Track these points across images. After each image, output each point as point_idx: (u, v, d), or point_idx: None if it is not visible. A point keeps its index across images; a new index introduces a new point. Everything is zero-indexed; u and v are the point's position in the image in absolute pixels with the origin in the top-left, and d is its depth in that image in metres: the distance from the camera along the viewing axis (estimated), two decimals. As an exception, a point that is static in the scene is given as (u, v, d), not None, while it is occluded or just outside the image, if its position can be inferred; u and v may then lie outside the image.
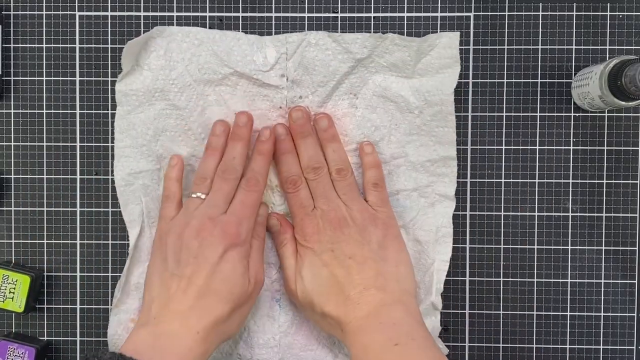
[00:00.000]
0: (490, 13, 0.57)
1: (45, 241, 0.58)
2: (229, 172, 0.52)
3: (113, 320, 0.56)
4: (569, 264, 0.58)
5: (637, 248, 0.57)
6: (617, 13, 0.57)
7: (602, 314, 0.57)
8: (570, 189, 0.57)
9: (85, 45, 0.57)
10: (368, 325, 0.49)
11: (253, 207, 0.52)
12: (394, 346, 0.47)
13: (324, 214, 0.53)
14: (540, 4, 0.57)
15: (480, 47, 0.57)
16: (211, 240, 0.50)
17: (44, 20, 0.57)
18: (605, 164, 0.57)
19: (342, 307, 0.50)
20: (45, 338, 0.58)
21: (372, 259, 0.51)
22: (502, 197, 0.57)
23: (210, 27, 0.57)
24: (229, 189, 0.52)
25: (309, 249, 0.52)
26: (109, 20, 0.57)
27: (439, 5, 0.57)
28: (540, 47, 0.57)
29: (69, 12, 0.57)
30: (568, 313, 0.58)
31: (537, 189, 0.57)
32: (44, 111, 0.58)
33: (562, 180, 0.57)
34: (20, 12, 0.57)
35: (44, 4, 0.57)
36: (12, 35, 0.57)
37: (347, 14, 0.57)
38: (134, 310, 0.56)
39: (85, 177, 0.58)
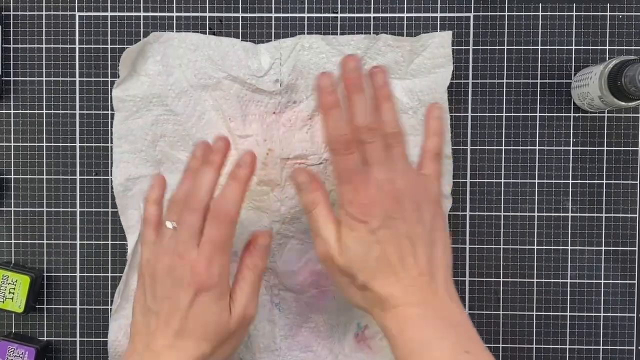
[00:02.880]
0: (490, 13, 0.57)
1: (45, 241, 0.58)
2: (194, 202, 0.48)
3: (113, 325, 0.56)
4: (569, 264, 0.58)
5: (637, 248, 0.57)
6: (617, 13, 0.57)
7: (602, 314, 0.57)
8: (570, 189, 0.57)
9: (85, 46, 0.57)
10: (425, 318, 0.45)
11: (224, 242, 0.48)
12: (465, 353, 0.44)
13: (380, 184, 0.46)
14: (540, 4, 0.57)
15: (480, 47, 0.57)
16: (181, 281, 0.47)
17: (44, 21, 0.57)
18: (605, 164, 0.57)
19: (391, 288, 0.46)
20: (45, 338, 0.58)
21: (424, 242, 0.47)
22: (502, 197, 0.57)
23: (210, 28, 0.57)
24: (195, 220, 0.47)
25: (361, 222, 0.46)
26: (109, 21, 0.57)
27: (439, 5, 0.57)
28: (540, 47, 0.57)
29: (68, 13, 0.57)
30: (568, 313, 0.58)
31: (537, 189, 0.57)
32: (44, 111, 0.58)
33: (562, 181, 0.57)
34: (20, 12, 0.57)
35: (43, 4, 0.57)
36: (12, 35, 0.57)
37: (347, 14, 0.57)
38: None
39: (85, 177, 0.58)
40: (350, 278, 0.48)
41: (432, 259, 0.47)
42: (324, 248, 0.48)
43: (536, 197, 0.57)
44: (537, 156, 0.57)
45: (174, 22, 0.57)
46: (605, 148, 0.57)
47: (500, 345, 0.58)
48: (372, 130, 0.47)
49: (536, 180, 0.57)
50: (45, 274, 0.58)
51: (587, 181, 0.57)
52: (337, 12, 0.57)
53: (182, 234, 0.48)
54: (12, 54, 0.57)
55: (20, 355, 0.55)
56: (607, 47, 0.57)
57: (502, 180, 0.57)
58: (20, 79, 0.57)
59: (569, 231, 0.57)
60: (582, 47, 0.57)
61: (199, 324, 0.47)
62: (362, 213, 0.46)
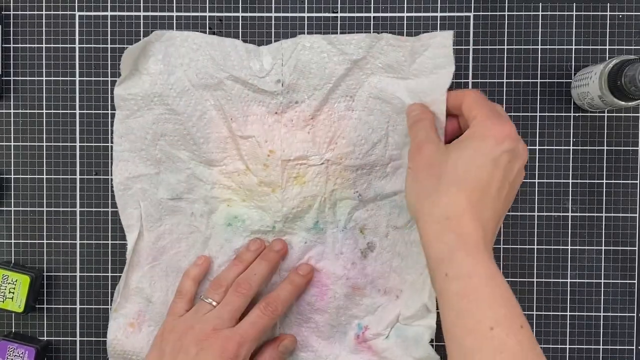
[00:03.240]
0: (490, 13, 0.57)
1: (45, 241, 0.58)
2: (244, 287, 0.52)
3: (112, 324, 0.56)
4: (569, 264, 0.58)
5: (637, 248, 0.57)
6: (617, 13, 0.57)
7: (602, 314, 0.57)
8: (570, 189, 0.57)
9: (85, 46, 0.57)
10: (488, 283, 0.44)
11: (262, 331, 0.52)
12: (520, 328, 0.43)
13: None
14: (540, 4, 0.57)
15: (480, 47, 0.57)
16: (210, 352, 0.49)
17: (44, 20, 0.57)
18: (605, 164, 0.57)
19: (477, 210, 0.45)
20: (45, 338, 0.58)
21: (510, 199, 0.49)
22: (502, 197, 0.57)
23: (210, 28, 0.57)
24: (240, 303, 0.52)
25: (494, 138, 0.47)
26: (109, 20, 0.57)
27: (439, 5, 0.57)
28: (540, 47, 0.57)
29: (68, 12, 0.57)
30: (568, 313, 0.58)
31: (537, 189, 0.57)
32: (44, 111, 0.58)
33: (562, 180, 0.57)
34: (20, 12, 0.57)
35: (43, 4, 0.57)
36: (12, 35, 0.57)
37: (347, 14, 0.57)
38: (134, 315, 0.56)
39: (85, 177, 0.58)
40: (448, 182, 0.46)
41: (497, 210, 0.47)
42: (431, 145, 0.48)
43: (536, 197, 0.57)
44: (537, 156, 0.57)
45: (174, 22, 0.57)
46: (605, 148, 0.57)
47: (500, 345, 0.58)
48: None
49: (536, 180, 0.57)
50: (45, 274, 0.58)
51: (587, 181, 0.57)
52: (337, 12, 0.57)
53: (223, 312, 0.51)
54: (12, 54, 0.57)
55: (20, 355, 0.55)
56: (607, 47, 0.57)
57: (502, 180, 0.57)
58: (20, 79, 0.58)
59: (569, 231, 0.57)
60: (582, 47, 0.57)
61: None
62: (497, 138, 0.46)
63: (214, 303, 0.52)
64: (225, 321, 0.51)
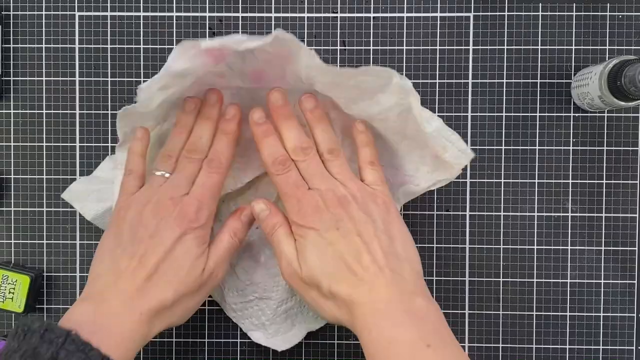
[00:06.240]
0: (490, 13, 0.57)
1: (45, 241, 0.58)
2: (195, 152, 0.51)
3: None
4: (569, 264, 0.58)
5: (637, 248, 0.57)
6: (617, 13, 0.57)
7: (602, 314, 0.57)
8: (570, 189, 0.57)
9: (85, 46, 0.57)
10: (389, 313, 0.45)
11: (214, 189, 0.50)
12: (426, 347, 0.44)
13: (322, 193, 0.49)
14: (540, 4, 0.57)
15: (480, 47, 0.57)
16: (169, 221, 0.48)
17: (44, 20, 0.57)
18: (605, 164, 0.57)
19: (354, 288, 0.46)
20: (45, 338, 0.58)
21: (379, 237, 0.48)
22: (502, 197, 0.57)
23: (210, 28, 0.57)
24: (193, 169, 0.50)
25: (311, 229, 0.48)
26: (109, 21, 0.57)
27: (439, 5, 0.57)
28: (540, 47, 0.57)
29: (68, 12, 0.57)
30: (568, 313, 0.58)
31: (537, 189, 0.57)
32: (44, 111, 0.58)
33: (562, 181, 0.57)
34: (20, 12, 0.57)
35: (43, 4, 0.57)
36: (12, 35, 0.57)
37: (347, 14, 0.57)
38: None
39: (85, 177, 0.58)
40: (316, 289, 0.48)
41: (391, 253, 0.47)
42: (287, 265, 0.50)
43: (536, 197, 0.57)
44: (537, 156, 0.57)
45: (174, 22, 0.57)
46: (605, 148, 0.57)
47: (500, 345, 0.58)
48: (304, 149, 0.50)
49: (536, 180, 0.57)
50: (45, 274, 0.58)
51: (587, 181, 0.57)
52: (337, 12, 0.57)
53: (177, 180, 0.50)
54: (12, 54, 0.57)
55: (20, 355, 0.55)
56: (607, 47, 0.57)
57: (502, 180, 0.57)
58: (20, 79, 0.58)
59: (569, 231, 0.57)
60: (582, 47, 0.57)
61: (173, 268, 0.47)
62: (309, 220, 0.48)
63: (166, 175, 0.51)
64: (182, 187, 0.50)
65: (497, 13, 0.57)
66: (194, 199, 0.49)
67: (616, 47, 0.57)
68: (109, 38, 0.57)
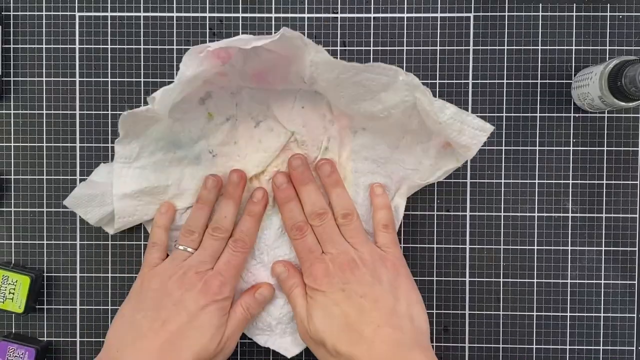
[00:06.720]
0: (490, 13, 0.57)
1: (45, 241, 0.58)
2: (220, 231, 0.54)
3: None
4: (569, 264, 0.58)
5: (637, 248, 0.57)
6: (617, 13, 0.57)
7: (602, 314, 0.57)
8: (570, 189, 0.57)
9: (85, 46, 0.57)
10: None
11: (238, 267, 0.54)
12: None
13: (333, 257, 0.52)
14: (540, 4, 0.57)
15: (480, 47, 0.57)
16: (194, 292, 0.51)
17: (44, 21, 0.57)
18: (605, 164, 0.57)
19: (356, 346, 0.49)
20: (45, 338, 0.58)
21: (384, 298, 0.51)
22: (502, 197, 0.57)
23: (210, 28, 0.57)
24: (218, 246, 0.54)
25: (320, 291, 0.52)
26: (109, 21, 0.57)
27: (439, 5, 0.57)
28: (540, 47, 0.57)
29: (68, 13, 0.57)
30: (568, 313, 0.58)
31: (537, 189, 0.57)
32: (44, 111, 0.58)
33: (562, 181, 0.57)
34: (20, 12, 0.57)
35: (43, 4, 0.57)
36: (12, 35, 0.57)
37: (347, 15, 0.57)
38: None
39: (85, 177, 0.58)
40: (323, 347, 0.51)
41: (393, 312, 0.50)
42: (300, 323, 0.53)
43: (536, 197, 0.57)
44: (537, 156, 0.57)
45: (174, 22, 0.57)
46: (605, 148, 0.57)
47: (501, 346, 0.58)
48: (320, 215, 0.54)
49: (536, 180, 0.57)
50: (45, 274, 0.58)
51: (587, 181, 0.57)
52: (337, 12, 0.57)
53: (202, 257, 0.53)
54: (12, 54, 0.57)
55: (20, 356, 0.55)
56: (607, 47, 0.57)
57: (502, 181, 0.57)
58: (20, 79, 0.57)
59: (569, 231, 0.57)
60: (582, 47, 0.57)
61: (197, 334, 0.50)
62: (319, 283, 0.52)
63: (190, 249, 0.53)
64: (207, 264, 0.53)
65: (497, 13, 0.57)
66: (219, 274, 0.52)
67: (616, 48, 0.57)
68: (109, 38, 0.57)
